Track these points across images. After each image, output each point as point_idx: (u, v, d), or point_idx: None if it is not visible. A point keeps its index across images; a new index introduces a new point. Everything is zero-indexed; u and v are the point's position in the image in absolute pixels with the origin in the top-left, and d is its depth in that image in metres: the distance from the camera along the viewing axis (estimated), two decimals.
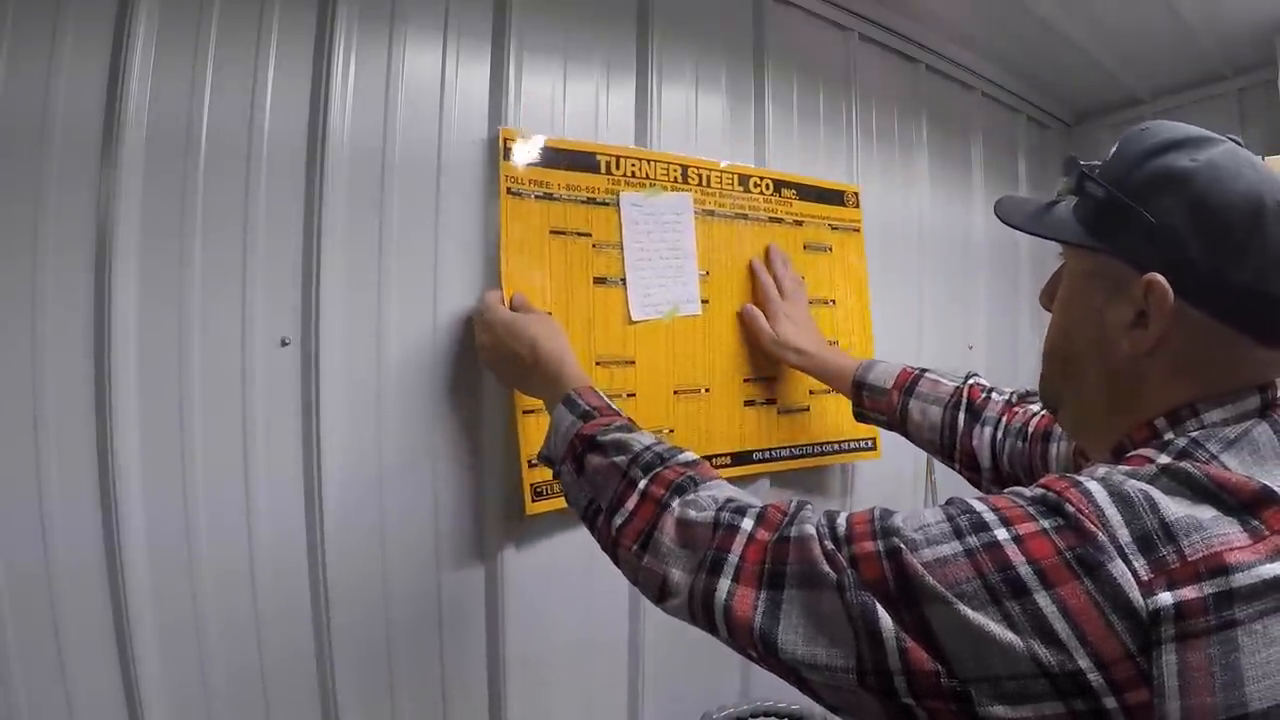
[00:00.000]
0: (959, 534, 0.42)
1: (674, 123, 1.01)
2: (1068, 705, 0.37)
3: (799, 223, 1.11)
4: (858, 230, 1.18)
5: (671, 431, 0.97)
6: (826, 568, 0.44)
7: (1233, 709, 0.35)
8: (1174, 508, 0.39)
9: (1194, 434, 0.45)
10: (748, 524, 0.50)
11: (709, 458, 1.01)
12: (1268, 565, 0.37)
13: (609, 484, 0.59)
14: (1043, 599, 0.38)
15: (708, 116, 1.05)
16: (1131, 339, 0.48)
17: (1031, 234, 0.55)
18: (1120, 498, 0.40)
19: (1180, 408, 0.47)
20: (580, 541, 0.91)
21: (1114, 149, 0.51)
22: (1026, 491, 0.43)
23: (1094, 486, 0.41)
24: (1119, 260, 0.49)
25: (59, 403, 0.61)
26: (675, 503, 0.54)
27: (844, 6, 1.21)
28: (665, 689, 0.98)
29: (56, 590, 0.60)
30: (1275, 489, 0.40)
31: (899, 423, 0.92)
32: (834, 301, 1.14)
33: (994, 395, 0.85)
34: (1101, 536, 0.38)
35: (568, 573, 0.90)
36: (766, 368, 1.06)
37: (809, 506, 0.51)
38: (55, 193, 0.61)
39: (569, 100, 0.91)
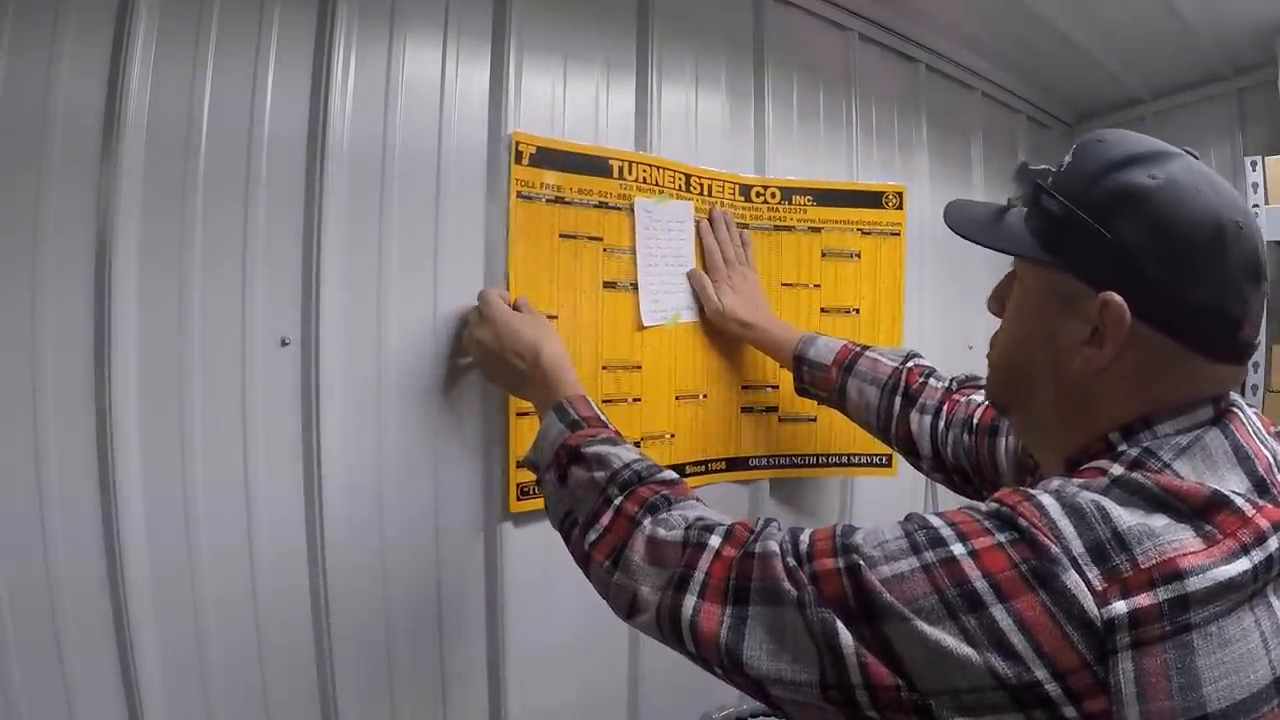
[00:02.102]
0: (916, 550, 0.42)
1: (674, 122, 1.01)
2: (1027, 715, 0.37)
3: (815, 229, 1.09)
4: (897, 234, 1.12)
5: (673, 437, 0.97)
6: (788, 584, 0.45)
7: (1191, 710, 0.36)
8: (1126, 517, 0.39)
9: (1146, 444, 0.45)
10: (715, 541, 0.51)
11: (705, 462, 1.01)
12: (1222, 568, 0.37)
13: (587, 498, 0.59)
14: (999, 612, 0.38)
15: (708, 116, 1.05)
16: (1085, 356, 0.48)
17: (984, 246, 0.54)
18: (1073, 509, 0.40)
19: (1134, 421, 0.47)
20: None
21: (1069, 158, 0.51)
22: (982, 507, 0.44)
23: (1047, 500, 0.41)
24: (1074, 277, 0.48)
25: (59, 402, 0.61)
26: (647, 521, 0.55)
27: (844, 6, 1.21)
28: (665, 689, 0.98)
29: (56, 590, 0.60)
30: (1226, 493, 0.40)
31: (838, 400, 0.92)
32: (858, 310, 1.11)
33: (932, 381, 0.84)
34: (1055, 549, 0.39)
35: (568, 572, 0.89)
36: (766, 375, 1.05)
37: (775, 524, 0.51)
38: (55, 192, 0.61)
39: (569, 100, 0.91)
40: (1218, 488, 0.41)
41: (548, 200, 0.86)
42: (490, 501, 0.84)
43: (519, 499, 0.84)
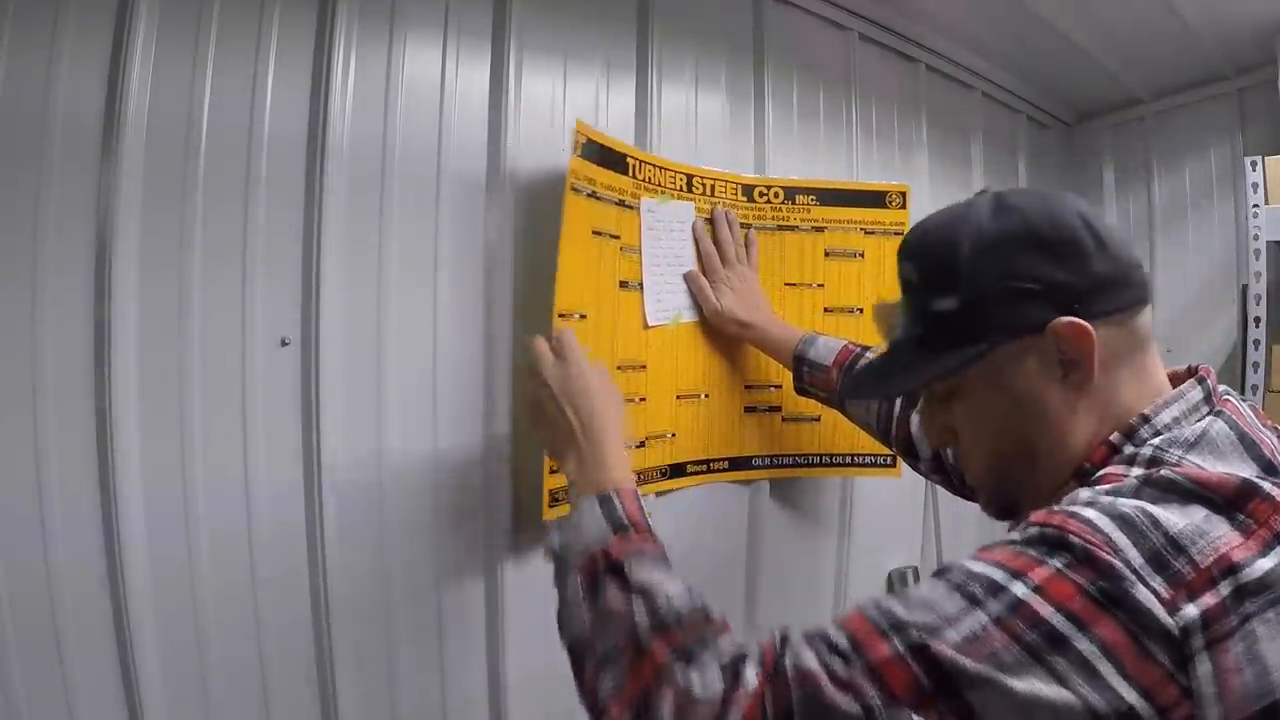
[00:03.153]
0: (976, 602, 0.39)
1: (674, 123, 1.01)
2: None
3: (819, 229, 1.08)
4: (901, 234, 1.10)
5: (674, 436, 0.97)
6: (845, 698, 0.39)
7: (1264, 697, 0.36)
8: (1174, 519, 0.39)
9: (1154, 441, 0.45)
10: (750, 680, 0.43)
11: (707, 462, 1.01)
12: (1263, 560, 0.38)
13: (614, 629, 0.50)
14: (1083, 644, 0.37)
15: (708, 116, 1.05)
16: (1070, 386, 0.48)
17: (917, 390, 0.53)
18: (1122, 520, 0.39)
19: (1131, 419, 0.47)
20: None
21: (912, 271, 0.52)
22: (1018, 535, 0.42)
23: (1092, 514, 0.40)
24: (1012, 341, 0.48)
25: (59, 402, 0.61)
26: (677, 669, 0.46)
27: (844, 6, 1.21)
28: None
29: (56, 590, 0.60)
30: (1255, 481, 0.41)
31: (837, 402, 0.91)
32: (861, 310, 1.10)
33: None
34: (1117, 564, 0.38)
35: None
36: (769, 375, 1.05)
37: (792, 632, 0.46)
38: (55, 192, 0.61)
39: (569, 99, 0.91)
40: (1246, 476, 0.41)
41: (587, 195, 0.85)
42: (491, 500, 0.84)
43: (551, 505, 0.82)
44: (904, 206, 1.12)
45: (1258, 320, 1.29)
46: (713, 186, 1.01)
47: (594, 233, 0.86)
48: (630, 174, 0.91)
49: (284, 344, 0.72)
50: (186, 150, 0.67)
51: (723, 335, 1.01)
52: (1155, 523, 0.39)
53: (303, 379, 0.72)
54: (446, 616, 0.82)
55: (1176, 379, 0.51)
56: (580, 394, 0.66)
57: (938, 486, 0.88)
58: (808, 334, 0.95)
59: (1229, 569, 0.37)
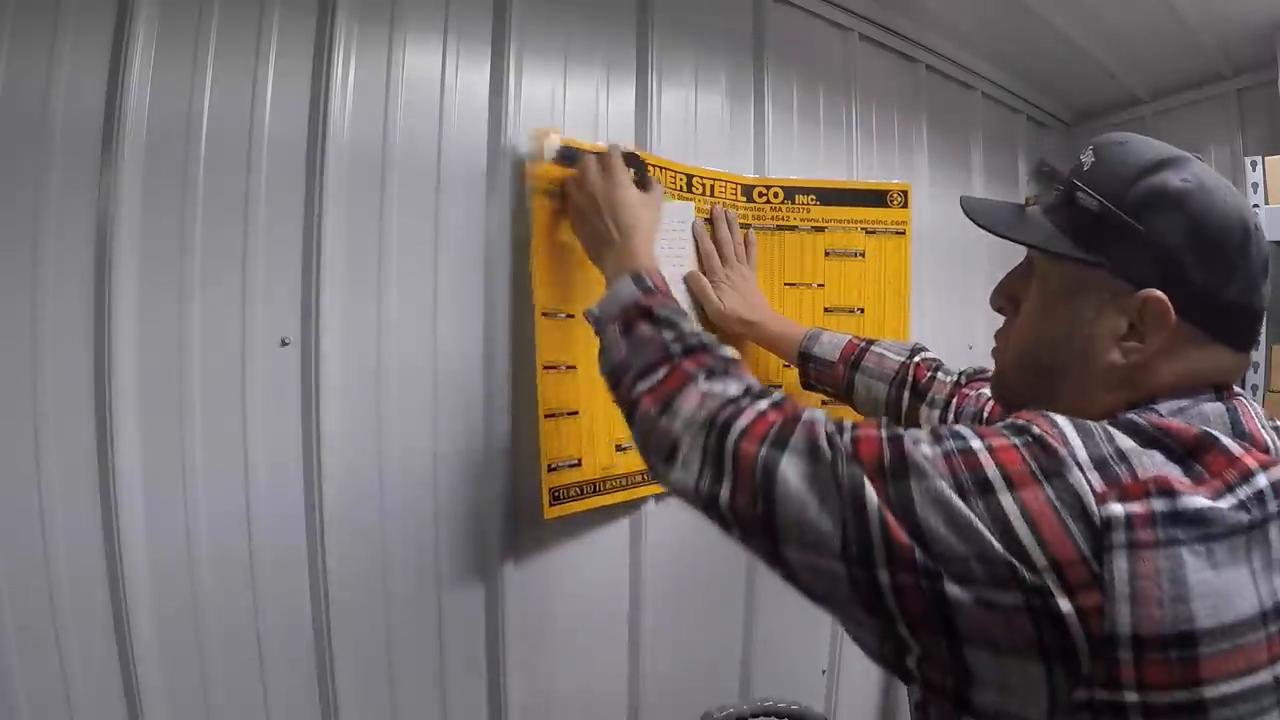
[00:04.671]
0: (939, 439, 0.45)
1: (674, 123, 1.01)
2: (1027, 600, 0.39)
3: (819, 229, 1.08)
4: (903, 233, 1.11)
5: None
6: (824, 444, 0.47)
7: (1180, 623, 0.37)
8: (1130, 441, 0.42)
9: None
10: (763, 404, 0.52)
11: None
12: (1205, 500, 0.39)
13: (646, 350, 0.61)
14: (1006, 499, 0.41)
15: (708, 117, 1.05)
16: (1124, 350, 0.50)
17: (1017, 241, 0.55)
18: (1082, 428, 0.43)
19: (1138, 403, 0.49)
20: (581, 543, 0.91)
21: (1091, 159, 0.52)
22: (1001, 424, 0.47)
23: (1059, 418, 0.44)
24: (1111, 274, 0.50)
25: (59, 403, 0.61)
26: (701, 378, 0.56)
27: (844, 6, 1.21)
28: (665, 687, 0.98)
29: (56, 591, 0.60)
30: (1214, 434, 0.42)
31: (845, 396, 0.92)
32: (862, 310, 1.10)
33: (940, 375, 0.85)
34: (1063, 451, 0.42)
35: (568, 573, 0.90)
36: (769, 374, 1.05)
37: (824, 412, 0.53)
38: (55, 194, 0.61)
39: (569, 101, 0.91)
40: (1207, 430, 0.43)
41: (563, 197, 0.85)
42: (494, 503, 0.84)
43: (552, 504, 0.83)
44: (905, 205, 1.12)
45: None
46: (712, 186, 1.01)
47: None
48: None
49: (284, 344, 0.72)
50: (186, 150, 0.67)
51: (724, 335, 1.01)
52: (1110, 437, 0.43)
53: (303, 379, 0.72)
54: (447, 615, 0.82)
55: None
56: (621, 205, 0.77)
57: None
58: (811, 330, 0.95)
59: (1166, 490, 0.39)
